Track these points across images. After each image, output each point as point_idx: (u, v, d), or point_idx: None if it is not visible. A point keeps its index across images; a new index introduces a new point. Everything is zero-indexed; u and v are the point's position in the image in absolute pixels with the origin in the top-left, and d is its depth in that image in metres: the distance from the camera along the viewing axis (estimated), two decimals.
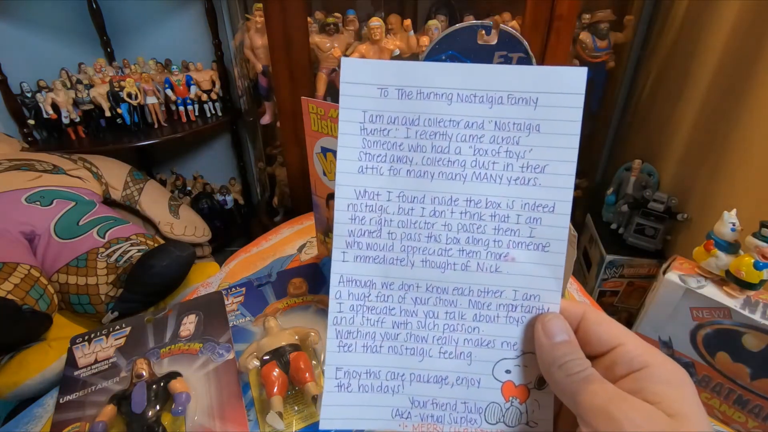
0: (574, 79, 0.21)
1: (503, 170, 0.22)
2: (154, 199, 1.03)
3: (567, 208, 0.22)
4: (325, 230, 0.56)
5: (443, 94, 0.21)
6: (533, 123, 0.21)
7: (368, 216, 0.22)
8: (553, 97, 0.21)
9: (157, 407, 0.36)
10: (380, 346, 0.23)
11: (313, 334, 0.41)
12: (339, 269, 0.23)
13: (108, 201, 0.95)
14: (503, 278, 0.22)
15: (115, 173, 1.00)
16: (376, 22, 0.86)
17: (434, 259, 0.22)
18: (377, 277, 0.23)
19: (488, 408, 0.22)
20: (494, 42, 0.46)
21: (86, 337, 0.43)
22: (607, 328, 0.20)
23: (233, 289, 0.51)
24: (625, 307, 1.06)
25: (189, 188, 1.39)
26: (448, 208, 0.22)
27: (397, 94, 0.22)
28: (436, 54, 0.48)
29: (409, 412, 0.22)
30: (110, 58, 1.22)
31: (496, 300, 0.22)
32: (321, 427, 0.22)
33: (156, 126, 1.18)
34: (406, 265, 0.22)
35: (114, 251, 0.78)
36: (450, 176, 0.22)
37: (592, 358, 0.20)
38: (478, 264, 0.22)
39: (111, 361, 0.41)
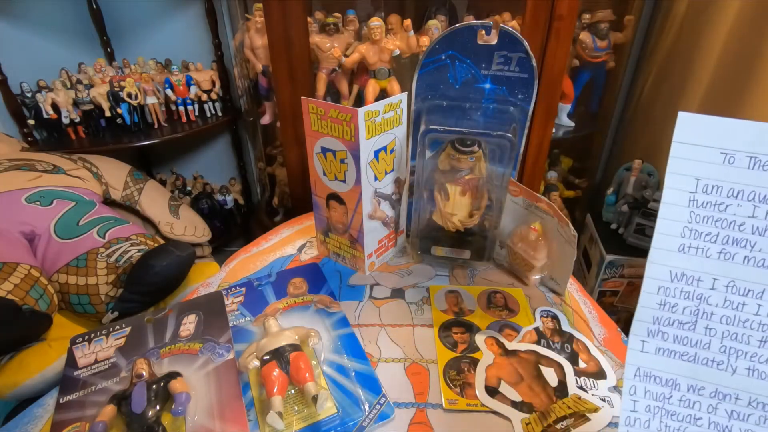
0: None
1: None
2: (154, 199, 1.03)
3: None
4: (325, 230, 0.56)
5: None
6: None
7: (682, 304, 0.19)
8: None
9: (157, 407, 0.36)
10: None
11: (313, 334, 0.41)
12: (636, 360, 0.19)
13: (108, 201, 0.95)
14: None
15: (115, 173, 1.00)
16: (376, 22, 0.86)
17: (765, 368, 0.18)
18: (684, 377, 0.19)
19: None
20: (494, 42, 0.46)
21: (86, 337, 0.43)
22: None
23: (233, 289, 0.51)
24: (625, 307, 1.06)
25: (189, 188, 1.39)
26: None
27: (748, 163, 0.17)
28: (435, 54, 0.48)
29: None
30: (110, 58, 1.22)
31: None
32: None
33: (156, 126, 1.18)
34: (724, 369, 0.18)
35: (114, 251, 0.78)
36: None
37: None
38: None
39: (111, 361, 0.41)
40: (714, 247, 0.18)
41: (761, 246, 0.17)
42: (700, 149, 0.18)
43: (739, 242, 0.18)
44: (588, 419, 0.36)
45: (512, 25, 0.92)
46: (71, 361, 0.41)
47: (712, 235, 0.18)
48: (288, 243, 0.62)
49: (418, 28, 0.92)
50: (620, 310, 1.07)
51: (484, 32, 0.46)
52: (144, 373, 0.38)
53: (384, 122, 0.47)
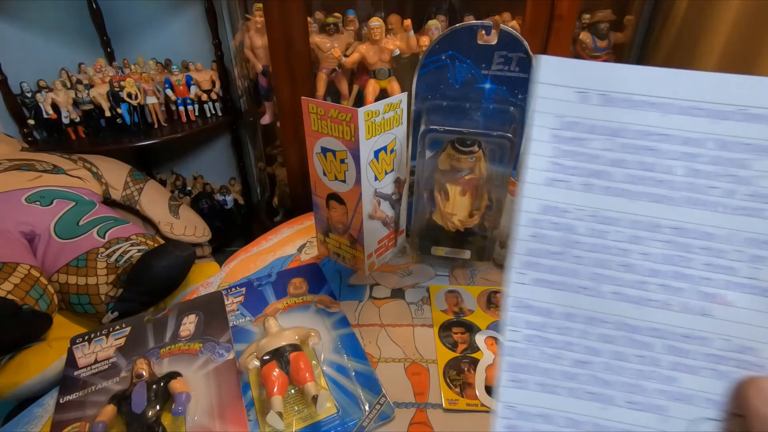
0: None
1: (723, 197, 0.18)
2: (154, 199, 1.03)
3: None
4: (325, 230, 0.56)
5: (657, 103, 0.18)
6: None
7: (553, 234, 0.19)
8: None
9: (157, 407, 0.36)
10: (557, 386, 0.20)
11: (313, 334, 0.41)
12: (515, 292, 0.20)
13: (108, 201, 0.95)
14: (712, 323, 0.19)
15: (115, 173, 1.00)
16: (376, 22, 0.86)
17: (629, 292, 0.19)
18: (558, 305, 0.20)
19: None
20: (494, 42, 0.46)
21: (86, 337, 0.43)
22: None
23: (233, 289, 0.51)
24: None
25: (189, 188, 1.39)
26: (650, 235, 0.19)
27: (600, 100, 0.19)
28: (435, 54, 0.48)
29: None
30: (110, 58, 1.22)
31: (700, 348, 0.19)
32: None
33: (156, 126, 1.18)
34: (593, 295, 0.19)
35: (114, 251, 0.78)
36: (656, 198, 0.19)
37: None
38: (681, 303, 0.19)
39: (111, 361, 0.41)
40: (577, 179, 0.19)
41: (616, 176, 0.19)
42: (560, 89, 0.19)
43: (597, 174, 0.19)
44: None
45: (512, 25, 0.92)
46: (71, 361, 0.41)
47: (575, 168, 0.19)
48: (288, 243, 0.62)
49: (418, 28, 0.92)
50: None
51: (484, 32, 0.46)
52: (144, 373, 0.38)
53: (384, 122, 0.47)
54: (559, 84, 0.19)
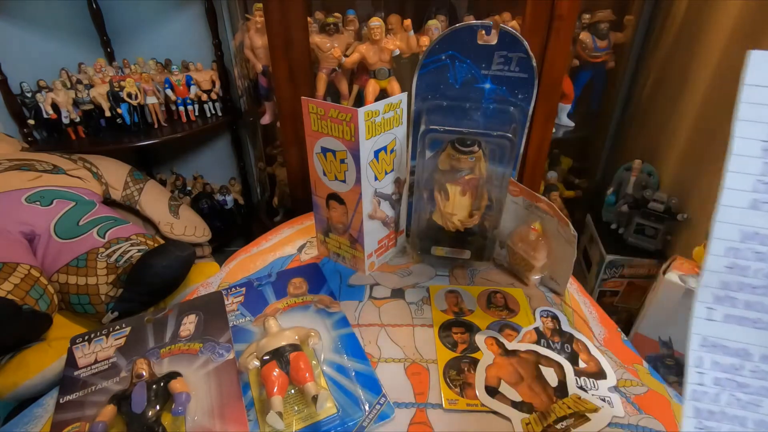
0: None
1: None
2: (154, 199, 1.03)
3: None
4: (325, 230, 0.56)
5: None
6: None
7: (755, 266, 0.17)
8: None
9: (157, 407, 0.36)
10: None
11: (313, 334, 0.41)
12: (702, 329, 0.17)
13: (108, 201, 0.95)
14: None
15: (115, 173, 1.00)
16: (376, 22, 0.86)
17: None
18: (756, 346, 0.17)
19: None
20: (494, 42, 0.46)
21: (86, 337, 0.43)
22: None
23: (233, 289, 0.51)
24: (625, 307, 1.06)
25: (189, 188, 1.39)
26: None
27: None
28: (435, 54, 0.48)
29: None
30: (110, 58, 1.22)
31: None
32: None
33: (156, 126, 1.18)
34: None
35: (114, 251, 0.78)
36: None
37: None
38: None
39: (111, 361, 0.41)
40: None
41: None
42: None
43: None
44: (588, 419, 0.36)
45: (512, 25, 0.92)
46: (71, 361, 0.41)
47: None
48: (288, 243, 0.62)
49: (418, 28, 0.92)
50: (620, 310, 1.07)
51: (484, 32, 0.46)
52: (144, 373, 0.38)
53: (384, 122, 0.47)
54: None
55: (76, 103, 1.09)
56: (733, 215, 0.17)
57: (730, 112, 0.17)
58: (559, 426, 0.36)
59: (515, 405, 0.37)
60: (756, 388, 0.17)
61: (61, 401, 0.38)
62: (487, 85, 0.48)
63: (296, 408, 0.37)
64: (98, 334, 0.43)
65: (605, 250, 1.03)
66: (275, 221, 1.26)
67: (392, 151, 0.50)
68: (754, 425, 0.17)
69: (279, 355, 0.39)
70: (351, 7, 0.97)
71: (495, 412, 0.37)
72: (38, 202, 0.79)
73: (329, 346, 0.43)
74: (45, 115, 1.07)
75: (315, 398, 0.35)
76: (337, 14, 0.94)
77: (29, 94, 1.09)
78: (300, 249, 0.60)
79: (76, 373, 0.40)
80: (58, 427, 0.35)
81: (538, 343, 0.44)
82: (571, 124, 1.10)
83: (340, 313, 0.47)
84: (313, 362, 0.40)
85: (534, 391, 0.39)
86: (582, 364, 0.42)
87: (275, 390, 0.36)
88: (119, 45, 1.23)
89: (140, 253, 0.78)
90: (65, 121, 1.08)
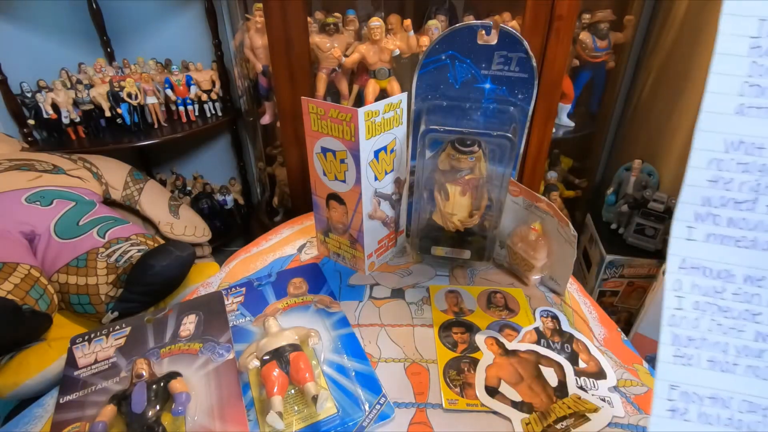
0: None
1: None
2: (154, 199, 1.03)
3: None
4: (325, 230, 0.56)
5: None
6: None
7: (740, 179, 0.15)
8: None
9: (157, 407, 0.36)
10: (735, 364, 0.16)
11: (313, 334, 0.41)
12: (681, 250, 0.16)
13: (108, 201, 0.95)
14: None
15: (115, 173, 1.00)
16: (376, 22, 0.86)
17: None
18: (740, 266, 0.16)
19: None
20: (494, 42, 0.46)
21: (86, 337, 0.43)
22: None
23: (233, 289, 0.51)
24: (625, 307, 1.06)
25: (189, 188, 1.39)
26: None
27: None
28: (436, 54, 0.48)
29: None
30: (110, 58, 1.22)
31: None
32: None
33: (156, 126, 1.18)
34: None
35: (114, 251, 0.78)
36: None
37: None
38: None
39: (111, 361, 0.41)
40: None
41: None
42: None
43: None
44: (588, 419, 0.36)
45: (512, 25, 0.92)
46: (71, 361, 0.41)
47: None
48: (288, 243, 0.62)
49: (418, 28, 0.92)
50: (620, 310, 1.07)
51: (484, 32, 0.46)
52: (144, 373, 0.38)
53: (384, 122, 0.47)
54: None
55: (76, 103, 1.09)
56: (717, 123, 0.15)
57: None
58: (559, 426, 0.36)
59: (515, 405, 0.37)
60: (739, 312, 0.16)
61: (61, 401, 0.38)
62: (487, 85, 0.48)
63: (296, 408, 0.37)
64: (98, 334, 0.43)
65: (605, 250, 1.03)
66: (275, 221, 1.26)
67: (392, 151, 0.50)
68: (736, 351, 0.16)
69: (279, 355, 0.39)
70: (351, 7, 0.97)
71: (495, 412, 0.37)
72: (38, 202, 0.79)
73: (329, 346, 0.43)
74: (45, 115, 1.07)
75: (315, 398, 0.35)
76: (337, 14, 0.94)
77: (29, 94, 1.09)
78: (300, 249, 0.60)
79: (76, 373, 0.40)
80: (58, 427, 0.35)
81: (538, 343, 0.44)
82: (571, 124, 1.10)
83: (340, 313, 0.47)
84: (313, 362, 0.40)
85: (534, 391, 0.39)
86: (582, 364, 0.42)
87: (275, 390, 0.36)
88: (119, 45, 1.23)
89: (140, 253, 0.78)
90: (65, 121, 1.08)
